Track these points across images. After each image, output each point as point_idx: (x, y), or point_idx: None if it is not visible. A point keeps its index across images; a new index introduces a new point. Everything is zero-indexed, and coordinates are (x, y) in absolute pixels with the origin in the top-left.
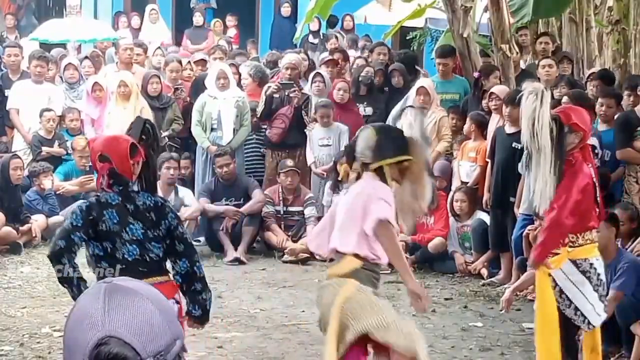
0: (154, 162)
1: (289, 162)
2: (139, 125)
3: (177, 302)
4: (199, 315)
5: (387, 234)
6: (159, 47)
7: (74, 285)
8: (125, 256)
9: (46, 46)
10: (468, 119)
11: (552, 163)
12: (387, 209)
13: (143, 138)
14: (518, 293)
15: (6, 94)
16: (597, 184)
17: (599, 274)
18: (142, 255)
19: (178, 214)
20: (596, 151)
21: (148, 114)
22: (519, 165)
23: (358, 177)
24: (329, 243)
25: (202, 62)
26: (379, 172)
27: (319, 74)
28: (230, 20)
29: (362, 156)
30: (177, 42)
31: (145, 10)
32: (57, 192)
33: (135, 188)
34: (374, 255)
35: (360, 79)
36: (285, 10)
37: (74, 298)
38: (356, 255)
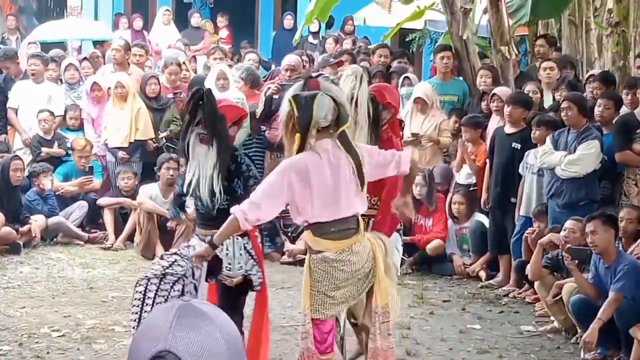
0: None
1: None
2: None
3: None
4: None
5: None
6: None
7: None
8: None
9: (45, 46)
10: (463, 126)
11: (369, 136)
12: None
13: None
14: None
15: (8, 95)
16: None
17: None
18: None
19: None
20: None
21: (145, 115)
22: (520, 166)
23: None
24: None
25: (193, 58)
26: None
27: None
28: (221, 20)
29: (325, 121)
30: None
31: (149, 12)
32: (57, 193)
33: None
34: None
35: None
36: (288, 22)
37: None
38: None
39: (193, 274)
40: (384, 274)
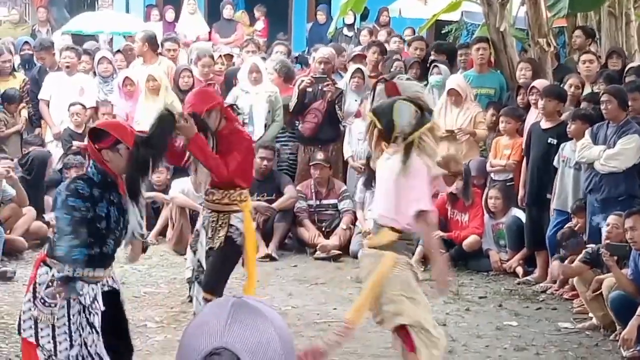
0: (138, 161)
1: (319, 156)
2: (155, 121)
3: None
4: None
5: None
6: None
7: None
8: None
9: (79, 38)
10: (501, 116)
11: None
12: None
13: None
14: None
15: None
16: None
17: None
18: None
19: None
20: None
21: (178, 108)
22: (554, 159)
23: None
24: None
25: (229, 57)
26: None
27: (359, 69)
28: (258, 12)
29: (409, 127)
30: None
31: (181, 3)
32: None
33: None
34: (410, 226)
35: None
36: (321, 17)
37: None
38: (392, 228)
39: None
40: (366, 298)
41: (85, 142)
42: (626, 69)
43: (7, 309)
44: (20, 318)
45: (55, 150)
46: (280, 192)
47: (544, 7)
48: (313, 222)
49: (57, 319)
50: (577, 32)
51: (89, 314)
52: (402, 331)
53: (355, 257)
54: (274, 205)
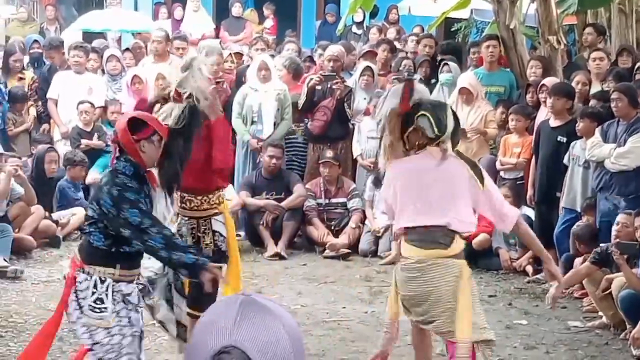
0: (178, 147)
1: (329, 154)
2: (179, 110)
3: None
4: (186, 273)
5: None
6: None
7: None
8: None
9: (88, 36)
10: (511, 114)
11: None
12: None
13: (178, 121)
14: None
15: None
16: None
17: None
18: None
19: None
20: None
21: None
22: (565, 157)
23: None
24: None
25: (238, 56)
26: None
27: (369, 67)
28: (267, 10)
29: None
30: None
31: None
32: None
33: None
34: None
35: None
36: (331, 18)
37: None
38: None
39: None
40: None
41: (120, 132)
42: (636, 66)
43: (16, 307)
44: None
45: (64, 149)
46: (289, 191)
47: (554, 4)
48: (322, 220)
49: (111, 320)
50: (589, 30)
51: (136, 312)
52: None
53: (364, 255)
54: (283, 203)
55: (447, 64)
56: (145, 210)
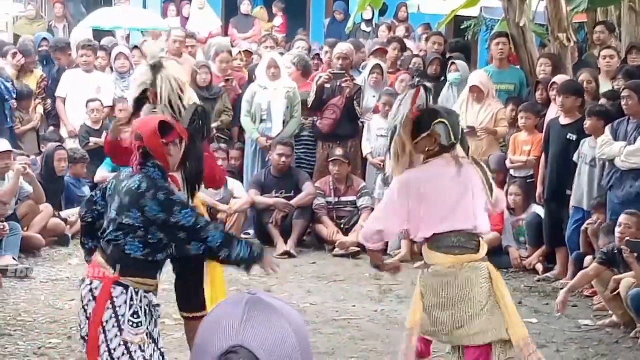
0: (198, 149)
1: (338, 151)
2: (190, 110)
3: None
4: (245, 267)
5: None
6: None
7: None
8: (104, 231)
9: (98, 34)
10: (521, 111)
11: None
12: None
13: (192, 123)
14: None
15: None
16: None
17: None
18: (103, 232)
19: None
20: None
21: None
22: (575, 155)
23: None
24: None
25: (248, 54)
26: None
27: (378, 65)
28: (277, 7)
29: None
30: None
31: None
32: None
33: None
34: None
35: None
36: (340, 16)
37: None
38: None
39: None
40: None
41: (149, 136)
42: None
43: (25, 306)
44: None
45: (73, 147)
46: (298, 189)
47: (564, 2)
48: (332, 219)
49: (146, 336)
50: (600, 28)
51: (156, 325)
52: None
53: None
54: (293, 202)
55: (454, 63)
56: (196, 210)
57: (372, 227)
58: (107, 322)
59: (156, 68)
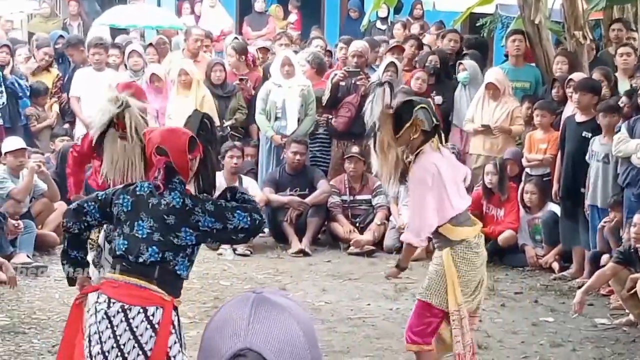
0: (211, 159)
1: (354, 149)
2: (197, 119)
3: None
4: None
5: None
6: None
7: (67, 244)
8: (117, 248)
9: (114, 31)
10: (536, 109)
11: None
12: None
13: (201, 133)
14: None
15: None
16: None
17: None
18: (130, 253)
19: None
20: None
21: (210, 103)
22: (587, 153)
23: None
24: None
25: (264, 50)
26: None
27: (392, 63)
28: (292, 5)
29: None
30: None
31: None
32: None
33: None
34: None
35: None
36: (354, 14)
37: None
38: None
39: None
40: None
41: (179, 154)
42: None
43: (39, 304)
44: None
45: None
46: (313, 187)
47: None
48: (347, 217)
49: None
50: (617, 25)
51: None
52: None
53: (389, 252)
54: (307, 200)
55: (461, 62)
56: (242, 206)
57: (425, 222)
58: (171, 347)
59: (123, 106)
